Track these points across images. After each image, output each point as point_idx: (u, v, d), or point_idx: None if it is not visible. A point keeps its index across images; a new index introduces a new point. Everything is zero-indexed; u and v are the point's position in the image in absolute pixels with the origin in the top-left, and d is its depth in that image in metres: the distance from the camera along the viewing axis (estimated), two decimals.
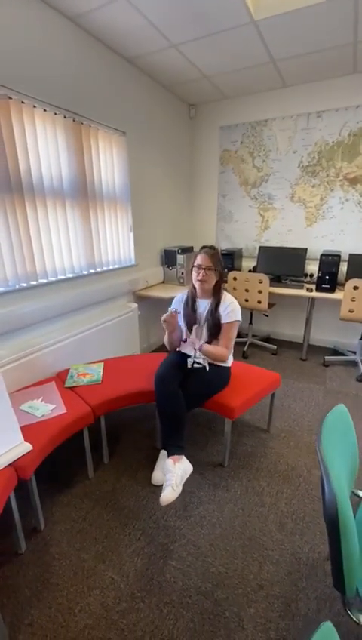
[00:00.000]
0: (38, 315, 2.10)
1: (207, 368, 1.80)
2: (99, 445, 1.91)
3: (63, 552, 1.41)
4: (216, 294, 1.82)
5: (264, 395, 1.95)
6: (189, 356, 1.86)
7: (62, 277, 2.28)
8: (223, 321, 1.79)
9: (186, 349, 1.93)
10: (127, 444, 2.06)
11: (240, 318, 1.82)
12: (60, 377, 2.02)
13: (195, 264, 1.76)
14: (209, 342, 1.81)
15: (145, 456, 1.94)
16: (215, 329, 1.79)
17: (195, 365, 1.83)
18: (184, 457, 1.62)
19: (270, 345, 3.43)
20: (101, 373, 2.04)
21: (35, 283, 2.09)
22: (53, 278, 2.21)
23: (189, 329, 1.86)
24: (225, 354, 1.80)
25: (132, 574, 1.32)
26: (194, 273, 1.77)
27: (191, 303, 1.86)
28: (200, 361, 1.83)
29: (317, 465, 1.88)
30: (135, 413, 2.38)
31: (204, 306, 1.85)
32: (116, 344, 2.65)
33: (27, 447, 1.38)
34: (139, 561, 1.37)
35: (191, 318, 1.85)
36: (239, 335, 3.71)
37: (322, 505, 1.07)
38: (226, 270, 3.28)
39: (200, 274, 1.74)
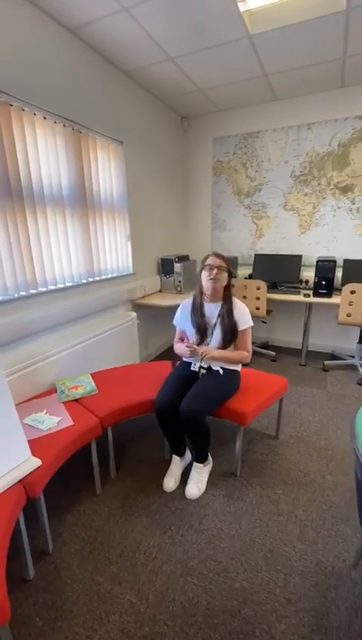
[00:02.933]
0: (38, 324, 2.02)
1: (221, 372, 1.77)
2: (105, 459, 1.82)
3: (75, 576, 1.31)
4: (226, 298, 1.80)
5: (273, 401, 1.92)
6: (194, 363, 1.84)
7: (62, 285, 2.22)
8: (240, 328, 1.78)
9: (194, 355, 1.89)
10: (134, 457, 1.98)
11: (253, 323, 1.83)
12: None
13: (207, 264, 1.74)
14: (223, 348, 1.78)
15: (153, 469, 1.87)
16: (230, 334, 1.76)
17: (202, 371, 1.79)
18: (210, 461, 1.84)
19: (269, 351, 3.42)
20: (92, 382, 1.97)
21: (34, 292, 2.02)
22: (53, 287, 2.15)
23: (199, 333, 1.81)
24: (247, 356, 1.81)
25: (152, 596, 1.23)
26: (205, 273, 1.74)
27: (199, 309, 1.83)
28: (212, 366, 1.80)
29: (330, 470, 1.84)
30: (139, 424, 2.31)
31: (212, 310, 1.82)
32: (116, 354, 2.59)
33: (36, 462, 1.29)
34: (158, 580, 1.29)
35: (201, 324, 1.81)
36: None
37: (357, 479, 1.04)
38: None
39: (213, 272, 1.72)
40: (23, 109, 1.85)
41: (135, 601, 1.22)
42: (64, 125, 2.12)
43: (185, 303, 1.90)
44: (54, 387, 1.97)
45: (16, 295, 1.91)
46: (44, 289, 2.08)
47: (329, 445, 2.06)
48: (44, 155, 1.99)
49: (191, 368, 1.83)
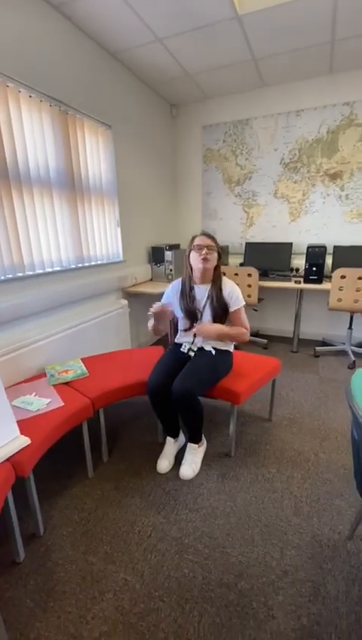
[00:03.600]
0: (25, 308, 1.97)
1: (213, 352, 1.75)
2: (97, 443, 1.79)
3: (67, 557, 1.27)
4: (216, 279, 1.77)
5: (266, 381, 1.91)
6: (185, 344, 1.81)
7: (50, 270, 2.17)
8: (232, 309, 1.75)
9: (184, 338, 1.86)
10: (126, 442, 1.94)
11: (244, 302, 1.79)
12: None
13: (195, 244, 1.70)
14: None
15: (146, 452, 1.84)
16: (221, 315, 1.74)
17: (190, 353, 1.77)
18: (204, 442, 1.82)
19: (261, 339, 3.42)
20: (83, 366, 1.93)
21: (21, 275, 1.97)
22: (41, 271, 2.10)
23: (189, 317, 1.78)
24: (245, 332, 1.75)
25: (147, 573, 1.21)
26: (194, 254, 1.70)
27: (188, 291, 1.80)
28: (204, 347, 1.78)
29: (323, 449, 1.85)
30: (131, 409, 2.27)
31: (202, 292, 1.79)
32: (107, 342, 2.55)
33: (25, 440, 1.25)
34: (153, 558, 1.26)
35: (190, 306, 1.78)
36: None
37: (354, 438, 1.03)
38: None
39: (203, 252, 1.67)
40: (8, 85, 1.79)
41: (129, 579, 1.19)
42: (50, 105, 2.06)
43: (176, 283, 1.87)
44: (44, 372, 1.92)
45: (2, 277, 1.86)
46: (31, 272, 2.03)
47: (323, 426, 2.06)
48: (30, 133, 1.93)
49: (181, 349, 1.80)
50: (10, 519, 1.21)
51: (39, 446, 1.30)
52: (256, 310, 3.66)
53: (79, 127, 2.31)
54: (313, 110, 3.03)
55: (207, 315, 1.76)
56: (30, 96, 1.93)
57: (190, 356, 1.75)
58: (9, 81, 1.79)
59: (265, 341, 3.38)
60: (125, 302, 2.80)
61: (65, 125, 2.19)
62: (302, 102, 3.06)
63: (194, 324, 1.75)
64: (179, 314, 1.82)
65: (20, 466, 1.20)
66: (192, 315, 1.77)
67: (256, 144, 3.31)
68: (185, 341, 1.82)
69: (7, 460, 1.19)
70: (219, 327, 1.70)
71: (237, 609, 1.09)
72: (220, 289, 1.76)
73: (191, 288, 1.80)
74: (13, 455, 1.20)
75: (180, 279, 1.85)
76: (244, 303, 1.79)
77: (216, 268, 1.77)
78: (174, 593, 1.14)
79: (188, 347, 1.78)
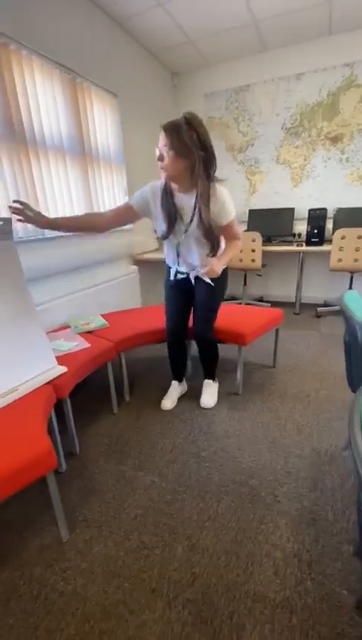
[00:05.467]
0: (44, 268, 2.13)
1: (212, 284, 1.67)
2: (119, 386, 1.99)
3: (102, 468, 1.49)
4: (195, 186, 1.40)
5: (270, 327, 2.08)
6: (187, 278, 1.72)
7: (65, 233, 2.32)
8: (223, 223, 1.53)
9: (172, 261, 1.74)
10: (144, 387, 2.15)
11: (235, 213, 1.56)
12: None
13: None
14: (206, 248, 1.56)
15: (163, 393, 2.01)
16: (210, 233, 1.49)
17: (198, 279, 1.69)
18: (217, 381, 2.02)
19: (264, 303, 3.58)
20: (103, 319, 2.11)
21: (41, 237, 2.12)
22: (58, 233, 2.24)
23: (171, 225, 1.53)
24: (240, 244, 1.68)
25: (171, 476, 1.42)
26: None
27: (170, 195, 1.51)
28: (204, 278, 1.68)
29: (323, 387, 2.04)
30: (148, 362, 2.47)
31: (187, 201, 1.48)
32: (120, 304, 2.71)
33: (62, 368, 1.45)
34: (175, 466, 1.47)
35: (171, 212, 1.50)
36: (233, 297, 3.87)
37: (346, 342, 1.21)
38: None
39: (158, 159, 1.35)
40: (22, 52, 1.89)
41: (156, 480, 1.40)
42: (60, 72, 2.15)
43: (156, 186, 1.54)
44: (67, 325, 2.10)
45: (24, 238, 2.01)
46: (50, 235, 2.18)
47: (323, 370, 2.25)
48: (43, 99, 2.04)
49: (190, 277, 1.71)
50: (55, 433, 1.42)
51: (73, 375, 1.50)
52: (259, 275, 3.80)
53: (87, 95, 2.41)
54: (313, 73, 3.07)
55: (195, 232, 1.51)
56: (42, 64, 2.03)
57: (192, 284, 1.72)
58: (22, 48, 1.88)
59: (268, 304, 3.54)
60: (135, 267, 2.96)
61: (74, 93, 2.28)
62: (302, 65, 3.09)
63: (198, 270, 1.64)
64: (160, 217, 1.55)
65: (60, 388, 1.40)
66: (172, 220, 1.51)
67: (257, 110, 3.36)
68: (180, 270, 1.72)
69: (49, 382, 1.38)
70: (222, 262, 1.59)
71: (249, 497, 1.30)
72: (207, 201, 1.42)
73: (173, 194, 1.51)
74: (53, 379, 1.40)
75: (158, 183, 1.55)
76: (234, 214, 1.57)
77: (193, 168, 1.37)
78: (195, 489, 1.35)
79: (189, 274, 1.70)
